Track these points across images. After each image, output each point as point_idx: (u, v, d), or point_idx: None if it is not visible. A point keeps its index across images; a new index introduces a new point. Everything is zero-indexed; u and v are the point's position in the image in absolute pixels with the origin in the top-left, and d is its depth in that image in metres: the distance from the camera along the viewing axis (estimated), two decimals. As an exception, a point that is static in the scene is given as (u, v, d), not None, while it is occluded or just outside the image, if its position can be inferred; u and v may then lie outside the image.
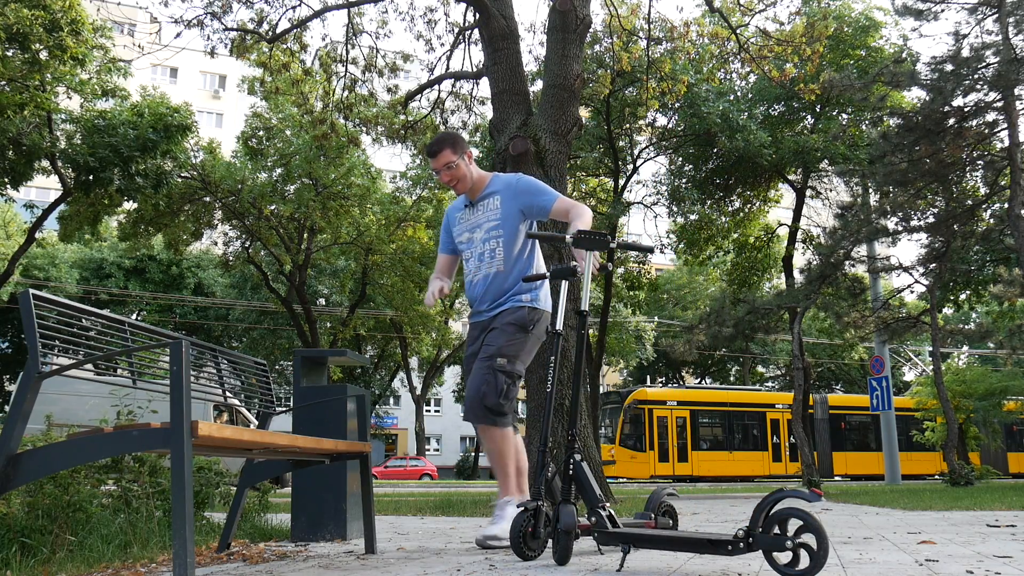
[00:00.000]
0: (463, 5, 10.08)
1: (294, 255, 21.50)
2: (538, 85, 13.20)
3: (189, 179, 19.61)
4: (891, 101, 15.55)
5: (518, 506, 2.87)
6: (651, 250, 3.51)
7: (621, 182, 19.42)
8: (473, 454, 39.27)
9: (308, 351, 4.18)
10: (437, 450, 46.61)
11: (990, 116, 13.44)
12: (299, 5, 10.92)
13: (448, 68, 11.83)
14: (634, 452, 24.79)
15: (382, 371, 36.75)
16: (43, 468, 2.35)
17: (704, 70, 15.81)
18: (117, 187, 14.58)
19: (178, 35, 10.72)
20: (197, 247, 29.25)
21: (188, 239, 21.23)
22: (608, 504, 2.74)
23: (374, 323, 30.58)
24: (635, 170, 20.23)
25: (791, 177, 20.02)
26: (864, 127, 17.83)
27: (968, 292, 19.30)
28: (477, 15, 8.53)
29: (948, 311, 29.34)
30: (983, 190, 15.28)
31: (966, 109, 13.31)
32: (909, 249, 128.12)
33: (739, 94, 18.84)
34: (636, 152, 20.05)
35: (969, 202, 14.90)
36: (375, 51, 12.09)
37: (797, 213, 20.35)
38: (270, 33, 11.02)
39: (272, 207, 20.60)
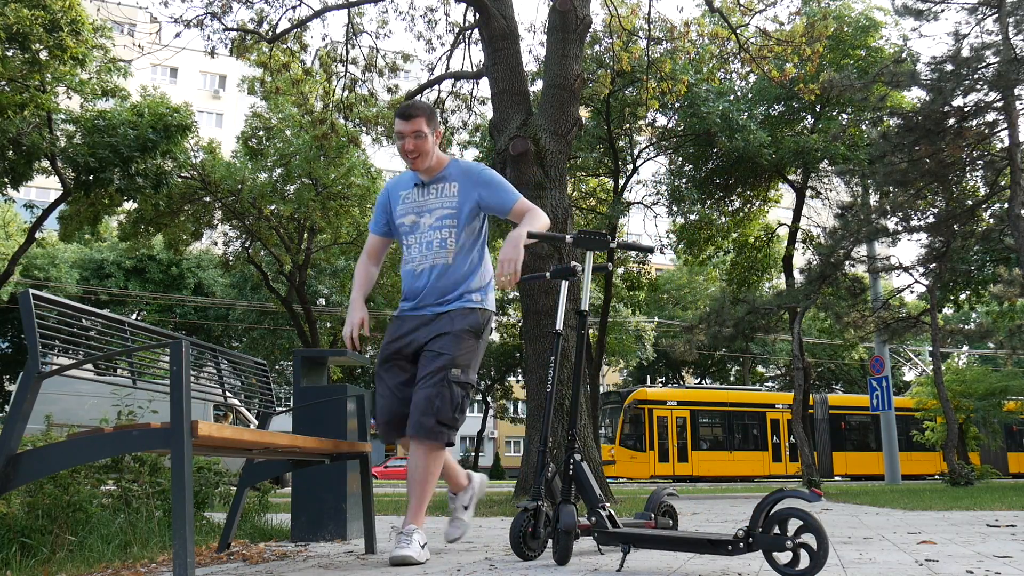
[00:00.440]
0: (463, 5, 10.08)
1: (294, 255, 21.49)
2: (538, 85, 13.20)
3: (189, 179, 19.61)
4: (891, 101, 15.55)
5: (518, 506, 2.88)
6: (651, 250, 3.51)
7: (621, 182, 19.41)
8: (473, 454, 39.28)
9: (308, 351, 4.18)
10: (437, 450, 46.56)
11: (990, 116, 13.44)
12: (299, 5, 10.93)
13: (448, 68, 11.83)
14: (634, 452, 24.78)
15: (382, 371, 36.67)
16: (43, 468, 2.35)
17: (704, 70, 15.81)
18: (117, 187, 14.57)
19: (178, 35, 10.74)
20: (197, 247, 29.24)
21: (188, 239, 21.23)
22: (608, 504, 2.74)
23: (374, 323, 30.58)
24: (635, 170, 20.23)
25: (791, 177, 20.02)
26: (864, 127, 17.82)
27: (968, 292, 19.30)
28: (477, 15, 8.53)
29: (948, 311, 29.34)
30: (983, 190, 15.28)
31: (966, 109, 13.31)
32: (909, 249, 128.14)
33: (739, 94, 18.83)
34: (636, 152, 20.05)
35: (969, 202, 14.89)
36: (375, 51, 12.10)
37: (797, 213, 20.34)
38: (270, 33, 11.03)
39: (272, 207, 20.59)
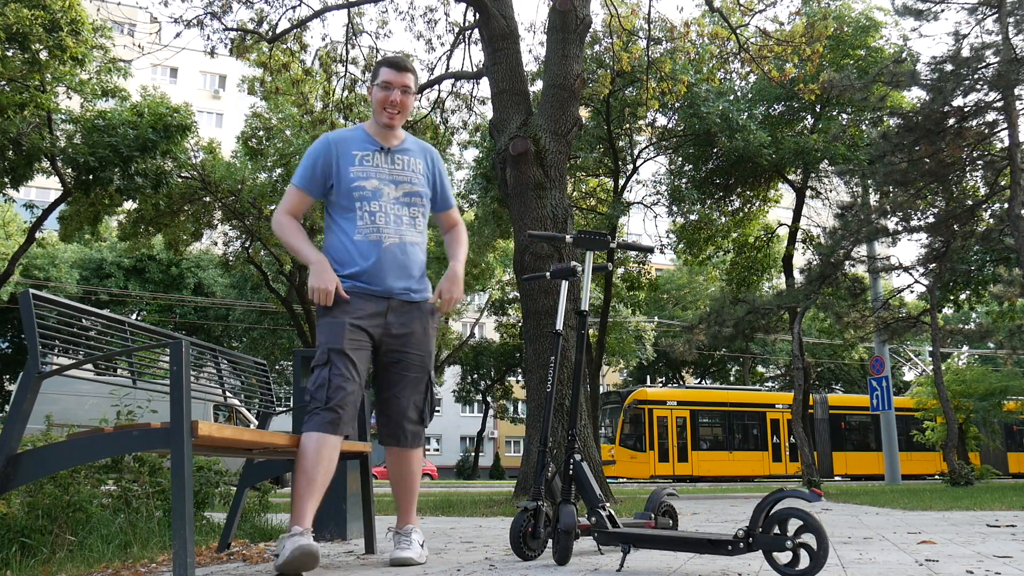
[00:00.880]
0: (463, 5, 10.08)
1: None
2: (538, 85, 13.20)
3: (189, 179, 19.61)
4: (891, 101, 15.55)
5: (518, 506, 2.88)
6: (651, 250, 3.51)
7: (621, 182, 19.41)
8: (473, 454, 39.29)
9: (308, 351, 4.18)
10: (437, 450, 46.61)
11: (990, 116, 13.44)
12: (299, 5, 10.93)
13: (448, 68, 11.83)
14: (634, 452, 24.78)
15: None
16: (43, 468, 2.35)
17: (704, 70, 15.81)
18: (117, 187, 14.58)
19: (178, 35, 10.73)
20: (197, 247, 29.23)
21: (188, 239, 21.23)
22: (608, 504, 2.74)
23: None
24: (635, 170, 20.22)
25: (791, 177, 20.02)
26: (864, 127, 17.82)
27: (968, 292, 19.30)
28: (477, 15, 8.53)
29: (948, 311, 29.33)
30: (983, 190, 15.28)
31: (966, 109, 13.31)
32: (909, 249, 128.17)
33: (739, 94, 18.83)
34: (636, 152, 20.05)
35: (969, 202, 14.89)
36: (375, 51, 12.09)
37: (797, 213, 20.34)
38: (270, 33, 11.03)
39: (272, 207, 20.59)
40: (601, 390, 24.70)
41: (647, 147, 20.13)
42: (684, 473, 25.12)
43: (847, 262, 15.90)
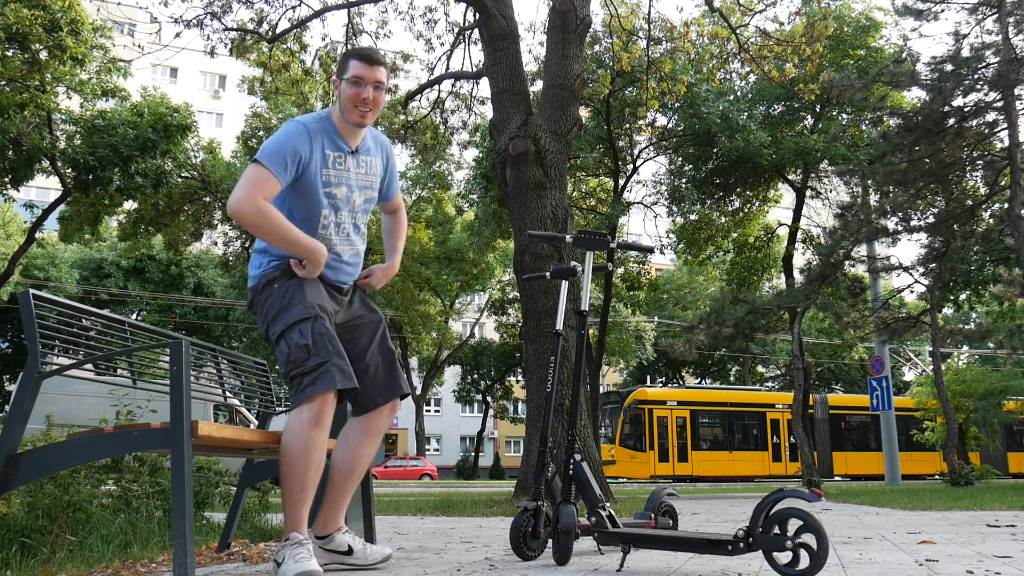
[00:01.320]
0: (463, 5, 10.08)
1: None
2: (538, 85, 13.20)
3: (189, 179, 19.63)
4: (891, 101, 15.54)
5: (518, 506, 2.88)
6: (651, 250, 3.51)
7: (621, 182, 19.42)
8: (473, 454, 39.29)
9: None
10: (437, 450, 46.62)
11: (990, 116, 13.44)
12: (299, 5, 10.93)
13: (448, 68, 11.83)
14: (634, 452, 24.79)
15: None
16: (43, 468, 2.35)
17: (704, 70, 15.81)
18: (117, 187, 14.58)
19: (178, 35, 10.74)
20: (197, 247, 29.25)
21: (188, 239, 21.25)
22: (608, 504, 2.74)
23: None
24: (635, 170, 20.23)
25: (791, 177, 20.03)
26: (864, 127, 17.82)
27: (968, 292, 19.30)
28: (477, 15, 8.53)
29: (948, 311, 29.33)
30: (983, 190, 15.29)
31: (966, 109, 13.31)
32: (909, 249, 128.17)
33: (739, 94, 18.83)
34: (636, 152, 20.05)
35: (969, 202, 14.90)
36: (375, 51, 12.08)
37: (797, 213, 20.35)
38: (270, 33, 11.03)
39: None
40: (601, 390, 24.71)
41: (647, 147, 20.14)
42: (684, 473, 25.13)
43: (847, 262, 15.90)
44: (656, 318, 36.30)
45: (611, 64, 14.64)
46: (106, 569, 2.75)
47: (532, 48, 20.20)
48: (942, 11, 13.93)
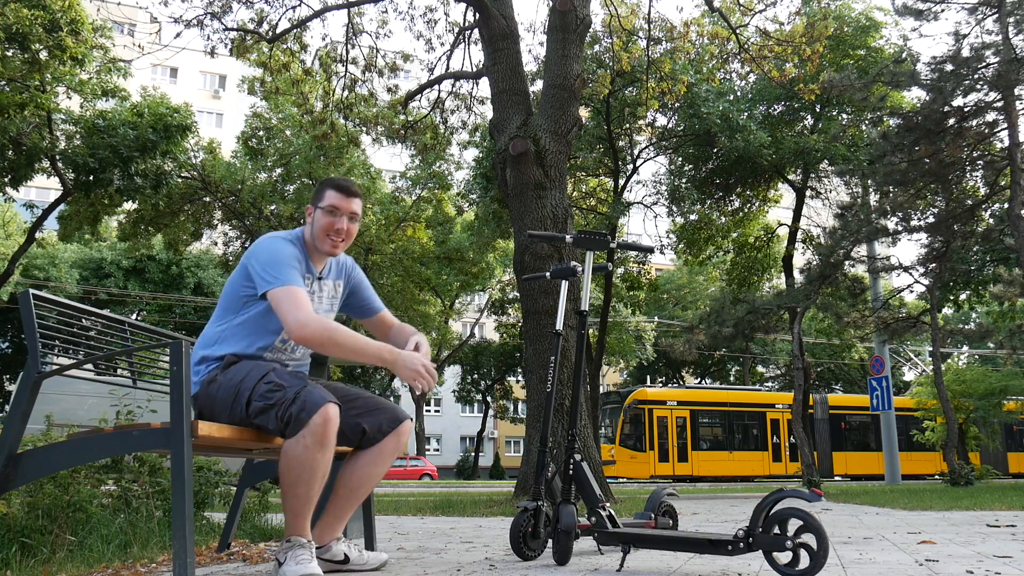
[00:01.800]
0: (463, 5, 10.08)
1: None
2: (538, 85, 13.20)
3: (189, 179, 19.62)
4: (891, 101, 15.55)
5: (518, 506, 2.88)
6: (651, 250, 3.51)
7: (621, 182, 19.41)
8: (473, 454, 39.30)
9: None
10: (437, 450, 46.62)
11: (990, 116, 13.45)
12: (299, 5, 10.92)
13: (448, 68, 11.83)
14: (634, 452, 24.79)
15: (382, 371, 36.78)
16: (43, 468, 2.35)
17: (704, 70, 15.81)
18: (117, 188, 14.58)
19: (178, 35, 10.70)
20: (197, 247, 29.26)
21: (188, 239, 21.25)
22: (608, 504, 2.74)
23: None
24: (635, 170, 20.23)
25: (791, 177, 20.03)
26: (864, 127, 17.82)
27: (968, 292, 19.30)
28: (477, 15, 8.53)
29: (948, 311, 29.35)
30: (983, 190, 15.29)
31: (966, 109, 13.31)
32: (909, 249, 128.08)
33: (739, 94, 18.83)
34: (636, 152, 20.05)
35: (969, 202, 14.90)
36: (375, 51, 12.09)
37: (797, 213, 20.35)
38: (270, 33, 11.02)
39: (272, 207, 20.61)
40: (601, 390, 24.71)
41: (647, 147, 20.14)
42: (684, 473, 25.13)
43: (847, 262, 15.91)
44: (656, 318, 36.31)
45: (611, 64, 14.64)
46: (106, 569, 2.75)
47: (532, 48, 20.24)
48: (942, 11, 13.93)
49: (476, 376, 38.47)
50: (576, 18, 7.85)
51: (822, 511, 6.28)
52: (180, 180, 18.67)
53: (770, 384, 42.47)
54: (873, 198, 16.36)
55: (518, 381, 36.17)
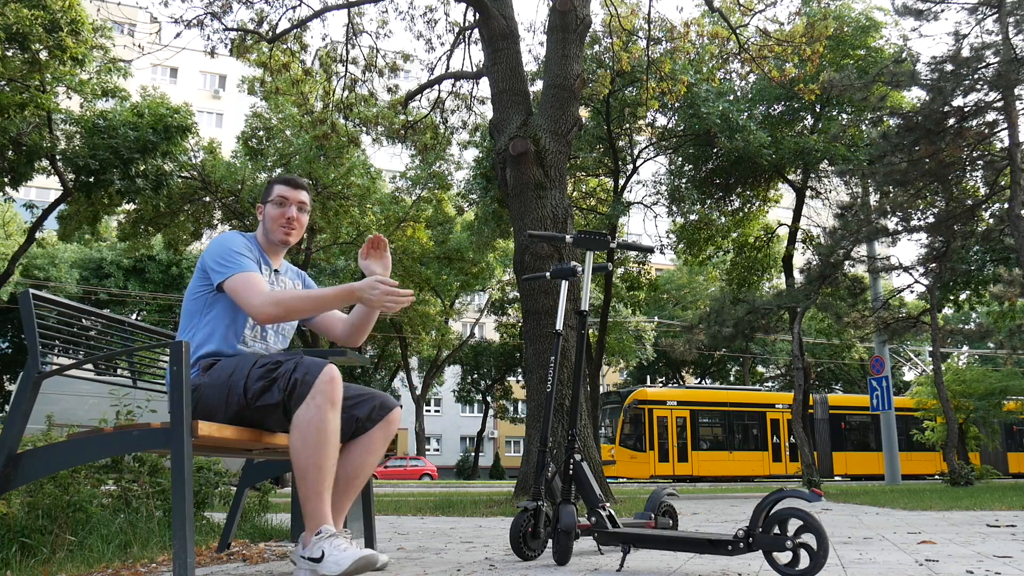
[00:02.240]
0: (463, 5, 10.08)
1: (294, 255, 21.52)
2: (538, 85, 13.20)
3: (189, 179, 19.63)
4: (891, 101, 15.54)
5: (518, 506, 2.88)
6: (651, 250, 3.51)
7: (621, 182, 19.42)
8: (473, 454, 39.29)
9: (308, 351, 4.17)
10: (437, 450, 46.62)
11: (990, 116, 13.44)
12: (299, 5, 10.92)
13: (448, 68, 11.83)
14: (634, 452, 24.79)
15: (382, 371, 36.77)
16: (43, 468, 2.35)
17: (704, 70, 15.81)
18: (117, 189, 14.58)
19: (178, 35, 10.70)
20: (197, 247, 29.24)
21: (188, 239, 21.25)
22: (608, 504, 2.74)
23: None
24: (635, 170, 20.23)
25: (791, 177, 20.03)
26: (864, 127, 17.82)
27: (968, 292, 19.30)
28: (477, 15, 8.53)
29: (948, 311, 29.34)
30: (983, 190, 15.29)
31: (966, 109, 13.31)
32: (909, 249, 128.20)
33: (739, 94, 18.83)
34: (636, 152, 20.05)
35: (969, 202, 14.90)
36: (375, 51, 12.09)
37: (797, 213, 20.35)
38: (270, 33, 11.02)
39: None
40: (601, 390, 24.71)
41: (647, 147, 20.14)
42: (684, 473, 25.13)
43: (847, 262, 15.90)
44: (656, 318, 36.30)
45: (611, 64, 14.63)
46: (106, 569, 2.75)
47: (532, 48, 20.24)
48: (942, 11, 13.92)
49: (476, 376, 38.46)
50: (576, 18, 7.85)
51: (822, 511, 6.28)
52: (180, 180, 18.67)
53: (770, 384, 42.46)
54: (873, 198, 16.35)
55: (518, 381, 36.16)
